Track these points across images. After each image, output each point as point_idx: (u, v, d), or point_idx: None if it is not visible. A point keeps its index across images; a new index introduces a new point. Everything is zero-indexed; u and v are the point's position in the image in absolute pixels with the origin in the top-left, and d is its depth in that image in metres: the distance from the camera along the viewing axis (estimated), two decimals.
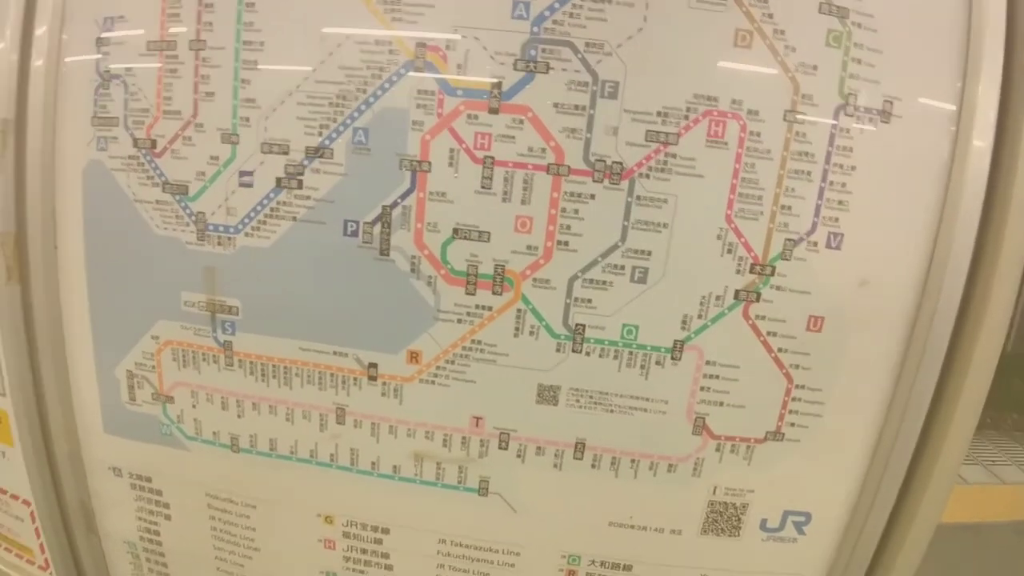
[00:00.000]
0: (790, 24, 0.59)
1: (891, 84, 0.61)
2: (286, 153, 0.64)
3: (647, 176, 0.61)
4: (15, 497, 0.83)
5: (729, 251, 0.62)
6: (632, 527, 0.70)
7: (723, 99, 0.60)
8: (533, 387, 0.66)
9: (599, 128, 0.60)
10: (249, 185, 0.65)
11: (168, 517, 0.80)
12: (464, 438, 0.69)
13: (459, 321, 0.65)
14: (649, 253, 0.62)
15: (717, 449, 0.67)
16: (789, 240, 0.62)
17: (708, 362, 0.64)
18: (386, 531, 0.74)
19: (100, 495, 0.81)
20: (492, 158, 0.61)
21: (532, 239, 0.62)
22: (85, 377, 0.76)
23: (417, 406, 0.68)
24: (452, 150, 0.61)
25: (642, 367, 0.65)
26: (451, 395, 0.67)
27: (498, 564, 0.73)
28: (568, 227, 0.62)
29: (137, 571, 0.84)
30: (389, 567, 0.75)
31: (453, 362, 0.66)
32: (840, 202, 0.62)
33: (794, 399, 0.65)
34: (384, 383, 0.68)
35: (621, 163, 0.60)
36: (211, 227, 0.67)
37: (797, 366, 0.65)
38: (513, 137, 0.61)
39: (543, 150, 0.61)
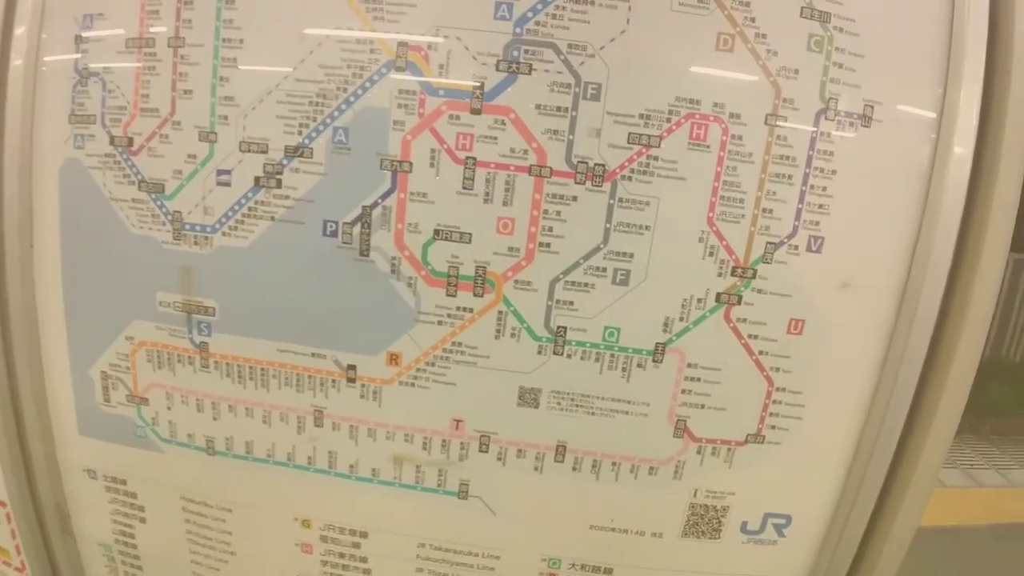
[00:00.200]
0: (772, 28, 0.60)
1: (872, 88, 0.61)
2: (265, 152, 0.63)
3: (629, 178, 0.60)
4: None
5: (711, 254, 0.62)
6: (613, 530, 0.70)
7: (705, 102, 0.60)
8: (514, 389, 0.66)
9: (582, 130, 0.60)
10: (227, 184, 0.64)
11: (143, 520, 0.78)
12: (444, 441, 0.68)
13: (440, 323, 0.64)
14: (631, 255, 0.62)
15: (698, 452, 0.67)
16: (770, 243, 0.62)
17: (690, 364, 0.64)
18: (364, 535, 0.73)
19: (75, 497, 0.80)
20: (474, 159, 0.61)
21: (514, 240, 0.62)
22: (60, 378, 0.75)
23: (396, 409, 0.67)
24: (433, 150, 0.61)
25: (624, 370, 0.65)
26: (431, 397, 0.66)
27: (478, 568, 0.72)
28: (550, 229, 0.62)
29: (112, 573, 0.83)
30: (367, 571, 0.74)
31: (433, 364, 0.65)
32: (821, 206, 0.62)
33: (775, 402, 0.66)
34: (363, 385, 0.67)
35: (603, 165, 0.60)
36: (188, 226, 0.66)
37: (778, 369, 0.65)
38: (495, 138, 0.60)
39: (525, 151, 0.60)
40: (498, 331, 0.64)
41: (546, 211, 0.61)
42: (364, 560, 0.74)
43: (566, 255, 0.62)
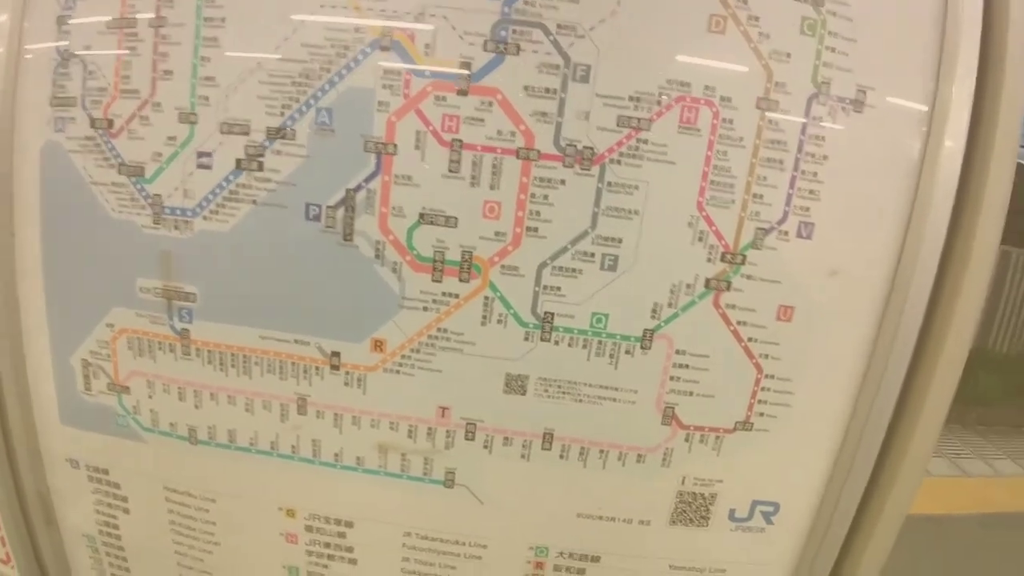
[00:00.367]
0: (765, 11, 0.59)
1: (865, 73, 0.61)
2: (246, 134, 0.61)
3: (618, 162, 0.60)
4: None
5: (700, 239, 0.61)
6: (600, 518, 0.69)
7: (696, 85, 0.59)
8: (501, 376, 0.65)
9: (570, 112, 0.59)
10: (207, 167, 0.63)
11: (126, 511, 0.77)
12: (430, 429, 0.67)
13: (425, 309, 0.63)
14: (619, 240, 0.61)
15: (686, 439, 0.66)
16: (760, 229, 0.61)
17: (678, 351, 0.64)
18: (349, 524, 0.72)
19: (58, 487, 0.78)
20: (460, 141, 0.59)
21: (500, 225, 0.61)
22: (41, 366, 0.73)
23: (381, 396, 0.66)
24: (419, 132, 0.60)
25: (611, 356, 0.64)
26: (416, 385, 0.65)
27: (464, 557, 0.72)
28: (537, 213, 0.61)
29: (97, 565, 0.82)
30: (353, 561, 0.73)
31: (419, 351, 0.65)
32: (812, 192, 0.61)
33: (763, 389, 0.65)
34: (347, 372, 0.66)
35: (592, 148, 0.59)
36: (168, 210, 0.64)
37: (767, 356, 0.64)
38: (482, 120, 0.59)
39: (513, 134, 0.59)
40: (484, 317, 0.63)
41: (533, 195, 0.60)
42: (350, 550, 0.73)
43: (554, 240, 0.61)
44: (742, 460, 0.68)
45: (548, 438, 0.67)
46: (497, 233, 0.61)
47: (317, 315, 0.65)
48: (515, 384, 0.65)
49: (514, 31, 0.58)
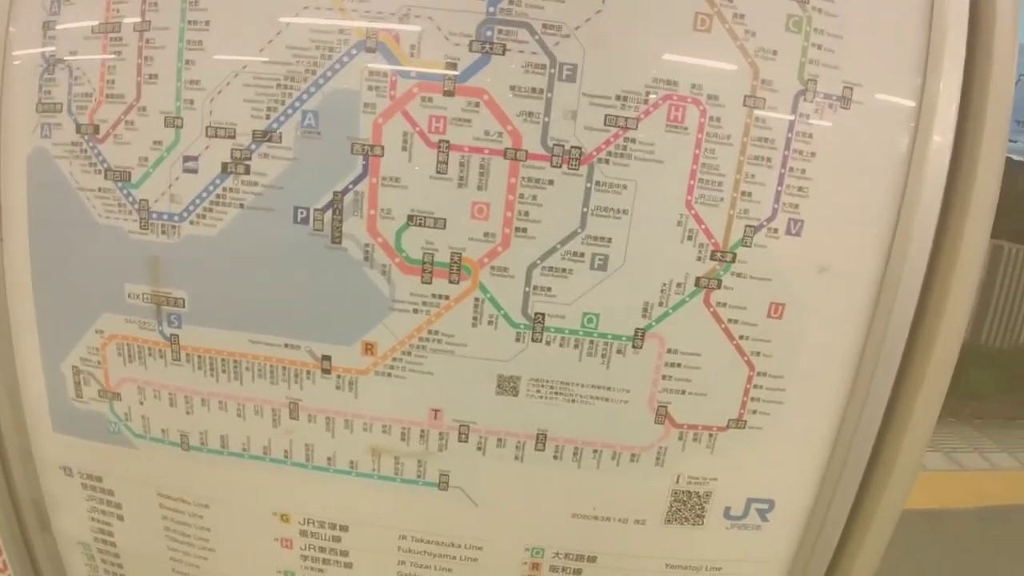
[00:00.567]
0: (750, 9, 0.59)
1: (851, 70, 0.61)
2: (232, 137, 0.61)
3: (606, 161, 0.59)
4: None
5: (689, 238, 0.61)
6: (596, 518, 0.69)
7: (683, 83, 0.59)
8: (492, 378, 0.65)
9: (557, 112, 0.59)
10: (194, 171, 0.62)
11: (121, 517, 0.77)
12: (423, 431, 0.67)
13: (415, 311, 0.63)
14: (609, 240, 0.61)
15: (680, 438, 0.66)
16: (750, 226, 0.61)
17: (670, 350, 0.64)
18: (344, 528, 0.72)
19: (52, 495, 0.78)
20: (447, 142, 0.59)
21: (489, 226, 0.61)
22: (32, 373, 0.73)
23: (373, 399, 0.66)
24: (406, 134, 0.59)
25: (603, 356, 0.64)
26: (408, 387, 0.65)
27: (460, 559, 0.72)
28: (526, 213, 0.60)
29: (93, 572, 0.82)
30: (348, 565, 0.73)
31: (410, 353, 0.64)
32: (800, 188, 0.61)
33: (756, 386, 0.65)
34: (338, 376, 0.66)
35: (580, 148, 0.59)
36: (155, 215, 0.64)
37: (759, 353, 0.64)
38: (469, 120, 0.59)
39: (500, 134, 0.59)
40: (475, 318, 0.63)
41: (522, 195, 0.60)
42: (345, 554, 0.73)
43: (543, 240, 0.61)
44: (736, 458, 0.67)
45: (541, 439, 0.66)
46: (486, 234, 0.61)
47: (307, 319, 0.65)
48: (507, 385, 0.65)
49: (499, 31, 0.58)
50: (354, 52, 0.59)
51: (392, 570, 0.73)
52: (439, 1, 0.58)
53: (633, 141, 0.59)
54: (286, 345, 0.65)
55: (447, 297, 0.63)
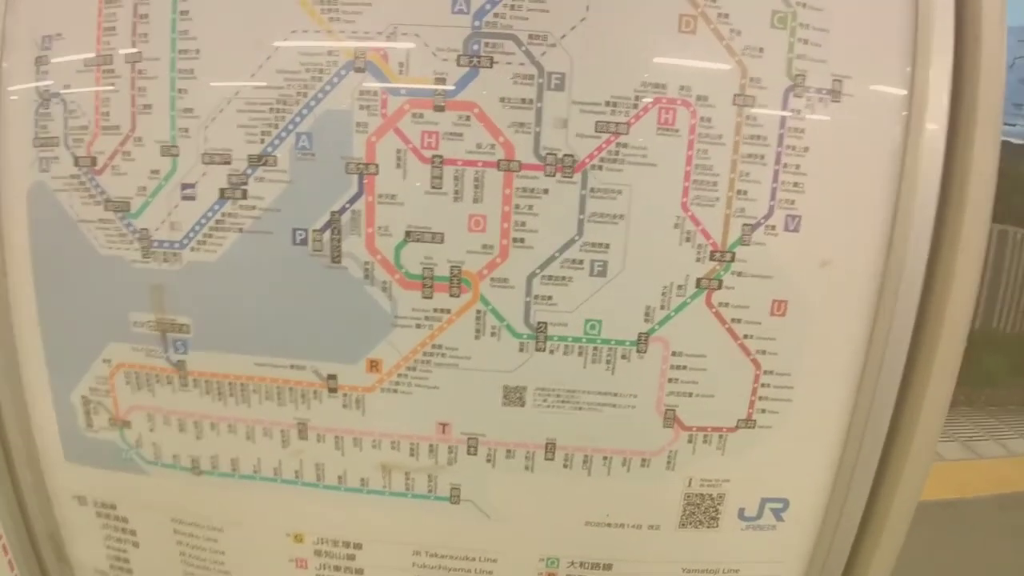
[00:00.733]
0: (734, 7, 0.59)
1: (840, 62, 0.60)
2: (228, 163, 0.62)
3: (599, 168, 0.59)
4: None
5: (688, 239, 0.61)
6: (609, 525, 0.69)
7: (671, 86, 0.59)
8: (499, 389, 0.65)
9: (548, 121, 0.59)
10: (192, 198, 0.63)
11: (136, 544, 0.77)
12: (431, 446, 0.67)
13: (418, 326, 0.63)
14: (607, 246, 0.61)
15: (689, 440, 0.66)
16: (747, 225, 0.61)
17: (674, 353, 0.63)
18: (358, 546, 0.72)
19: (67, 524, 0.78)
20: (440, 157, 0.60)
21: (487, 238, 0.61)
22: (42, 405, 0.73)
23: (381, 416, 0.66)
24: (399, 151, 0.60)
25: (608, 362, 0.64)
26: (415, 402, 0.65)
27: (475, 572, 0.71)
28: (523, 224, 0.61)
29: None
30: None
31: (415, 368, 0.64)
32: (796, 184, 0.61)
33: (763, 385, 0.65)
34: (345, 394, 0.66)
35: (572, 155, 0.59)
36: (156, 243, 0.65)
37: (764, 351, 0.64)
38: (461, 134, 0.59)
39: (492, 146, 0.59)
40: (478, 331, 0.63)
41: (517, 206, 0.60)
42: (360, 572, 0.73)
43: (541, 249, 0.61)
44: (748, 458, 0.67)
45: (550, 448, 0.66)
46: (484, 246, 0.61)
47: (311, 339, 0.65)
48: (513, 396, 0.65)
49: (486, 44, 0.58)
50: (344, 72, 0.59)
51: None
52: (425, 17, 0.58)
53: (625, 146, 0.59)
54: (292, 366, 0.66)
55: (449, 311, 0.63)
